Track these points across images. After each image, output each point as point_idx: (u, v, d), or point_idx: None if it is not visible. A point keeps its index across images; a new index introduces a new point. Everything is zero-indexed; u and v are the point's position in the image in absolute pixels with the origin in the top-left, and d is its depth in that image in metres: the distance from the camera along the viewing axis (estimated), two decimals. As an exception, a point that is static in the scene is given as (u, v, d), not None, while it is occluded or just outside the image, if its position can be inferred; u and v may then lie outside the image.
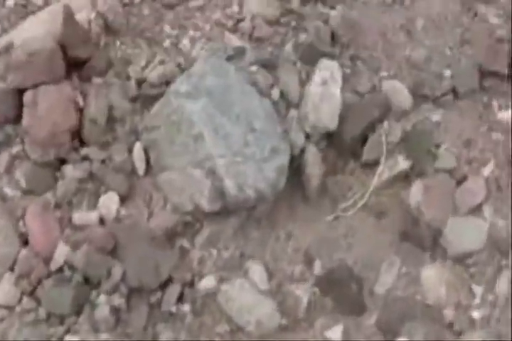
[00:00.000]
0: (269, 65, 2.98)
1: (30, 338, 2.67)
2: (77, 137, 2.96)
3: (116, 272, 2.75)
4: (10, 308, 2.73)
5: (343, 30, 3.08)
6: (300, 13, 3.11)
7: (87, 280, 2.74)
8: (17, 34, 3.08)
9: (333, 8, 3.17)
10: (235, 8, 3.11)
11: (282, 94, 2.97)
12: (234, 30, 3.07)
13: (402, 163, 2.94)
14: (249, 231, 2.90)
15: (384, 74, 3.09)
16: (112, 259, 2.77)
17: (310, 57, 2.99)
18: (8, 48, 3.04)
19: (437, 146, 2.96)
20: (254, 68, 2.97)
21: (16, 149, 2.95)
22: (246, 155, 2.78)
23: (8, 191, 2.93)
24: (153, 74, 2.98)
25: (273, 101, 2.94)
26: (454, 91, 3.06)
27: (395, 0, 3.24)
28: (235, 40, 3.04)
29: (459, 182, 2.90)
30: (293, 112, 2.97)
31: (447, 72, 3.08)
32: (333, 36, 3.08)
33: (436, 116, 3.03)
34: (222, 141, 2.77)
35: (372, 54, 3.11)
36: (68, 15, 2.94)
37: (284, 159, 2.84)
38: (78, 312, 2.71)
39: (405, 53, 3.13)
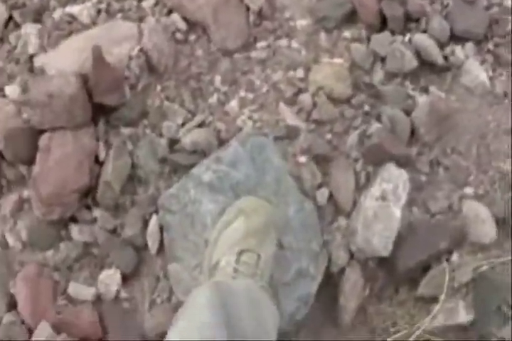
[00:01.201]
0: (322, 158, 2.39)
1: None
2: (93, 194, 2.52)
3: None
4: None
5: (428, 126, 2.37)
6: (379, 91, 2.42)
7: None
8: (50, 59, 2.62)
9: (424, 90, 2.45)
10: (300, 72, 2.46)
11: (331, 197, 2.38)
12: (292, 101, 2.43)
13: (462, 316, 2.30)
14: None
15: (469, 191, 2.40)
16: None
17: (376, 156, 2.34)
18: (42, 72, 2.63)
19: (511, 307, 2.27)
20: (303, 159, 2.37)
21: (27, 192, 2.55)
22: (260, 278, 2.25)
23: (10, 240, 2.56)
24: (187, 139, 2.46)
25: (318, 204, 2.38)
26: (553, 231, 2.33)
27: (507, 93, 2.46)
28: (289, 116, 2.42)
29: (529, 365, 2.22)
30: (341, 221, 2.38)
31: (550, 204, 2.34)
32: (414, 131, 2.40)
33: (523, 262, 2.32)
34: (234, 257, 2.25)
35: (460, 161, 2.41)
36: (98, 58, 2.43)
37: (310, 286, 2.28)
38: None
39: (504, 167, 2.41)
